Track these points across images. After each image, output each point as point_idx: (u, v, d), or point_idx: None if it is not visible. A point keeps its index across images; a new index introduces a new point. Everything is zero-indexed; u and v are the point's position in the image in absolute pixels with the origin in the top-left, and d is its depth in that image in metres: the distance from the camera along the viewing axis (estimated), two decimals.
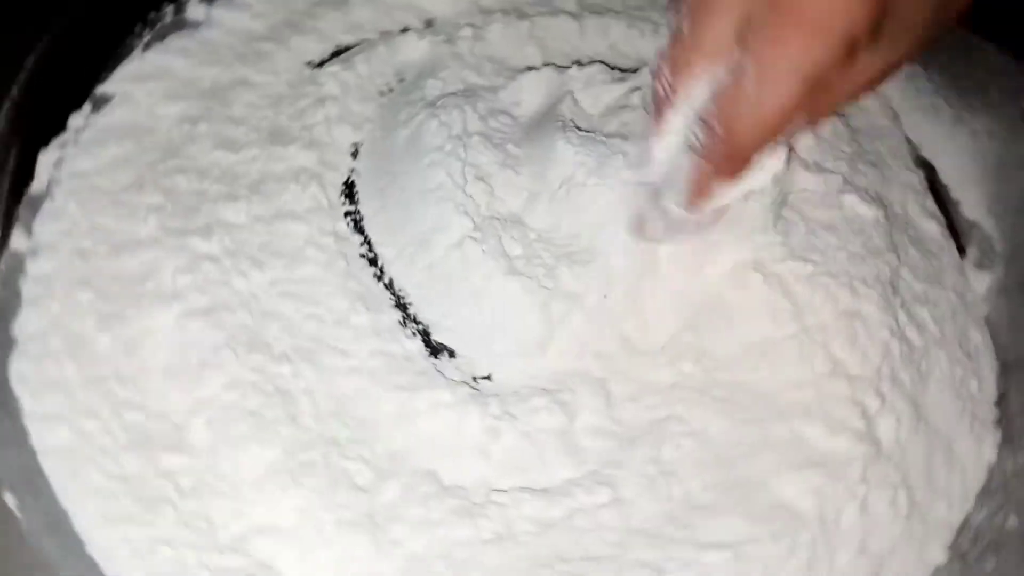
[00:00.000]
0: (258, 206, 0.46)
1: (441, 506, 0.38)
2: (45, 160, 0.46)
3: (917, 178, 0.51)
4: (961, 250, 0.49)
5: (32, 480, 0.38)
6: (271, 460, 0.39)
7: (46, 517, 0.38)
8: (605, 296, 0.42)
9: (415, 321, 0.44)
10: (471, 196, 0.44)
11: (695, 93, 0.34)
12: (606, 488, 0.39)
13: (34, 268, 0.44)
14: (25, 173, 0.46)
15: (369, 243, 0.46)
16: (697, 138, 0.34)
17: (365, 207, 0.47)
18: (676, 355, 0.42)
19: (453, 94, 0.49)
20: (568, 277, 0.42)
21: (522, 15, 0.53)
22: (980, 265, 0.49)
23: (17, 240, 0.44)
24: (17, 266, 0.44)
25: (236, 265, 0.44)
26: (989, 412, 0.44)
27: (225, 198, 0.46)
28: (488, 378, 0.42)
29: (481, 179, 0.44)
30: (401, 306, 0.44)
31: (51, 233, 0.45)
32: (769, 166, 0.36)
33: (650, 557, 0.38)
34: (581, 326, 0.42)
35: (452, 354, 0.43)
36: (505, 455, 0.40)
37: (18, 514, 0.37)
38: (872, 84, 0.33)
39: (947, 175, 0.52)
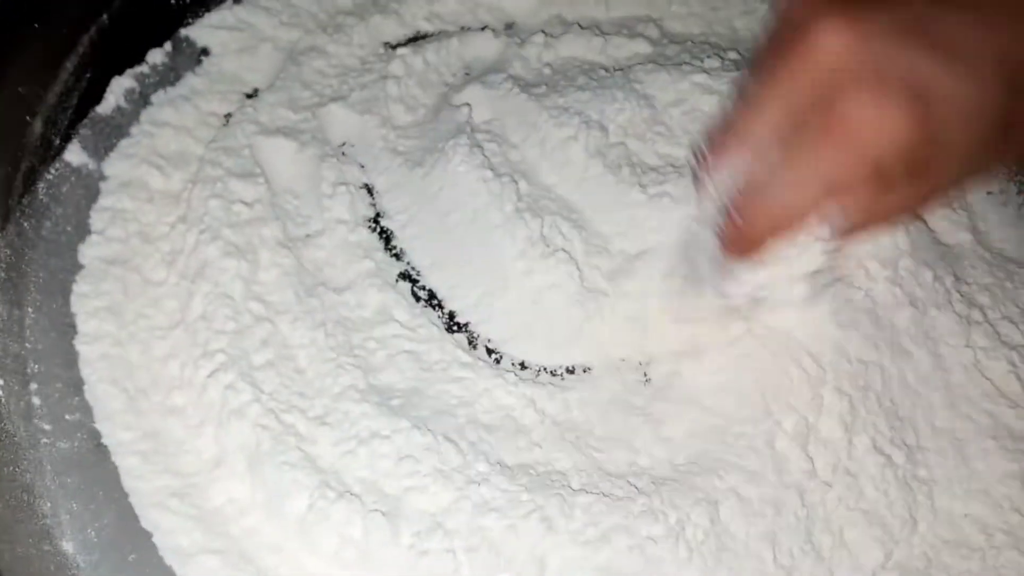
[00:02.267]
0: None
1: None
2: (117, 87, 0.49)
3: None
4: None
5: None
6: None
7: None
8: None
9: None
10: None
11: (724, 178, 0.35)
12: None
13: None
14: (95, 98, 0.48)
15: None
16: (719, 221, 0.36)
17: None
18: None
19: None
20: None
21: (599, 32, 0.54)
22: None
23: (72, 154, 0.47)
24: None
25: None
26: None
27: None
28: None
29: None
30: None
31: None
32: (801, 263, 0.37)
33: None
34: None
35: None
36: None
37: None
38: (912, 208, 0.37)
39: None
